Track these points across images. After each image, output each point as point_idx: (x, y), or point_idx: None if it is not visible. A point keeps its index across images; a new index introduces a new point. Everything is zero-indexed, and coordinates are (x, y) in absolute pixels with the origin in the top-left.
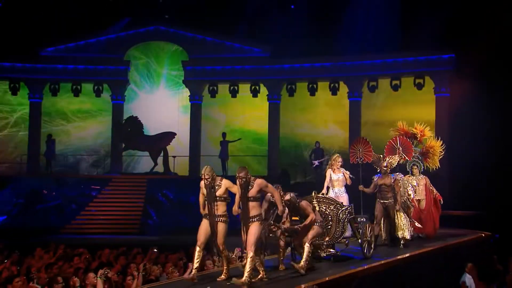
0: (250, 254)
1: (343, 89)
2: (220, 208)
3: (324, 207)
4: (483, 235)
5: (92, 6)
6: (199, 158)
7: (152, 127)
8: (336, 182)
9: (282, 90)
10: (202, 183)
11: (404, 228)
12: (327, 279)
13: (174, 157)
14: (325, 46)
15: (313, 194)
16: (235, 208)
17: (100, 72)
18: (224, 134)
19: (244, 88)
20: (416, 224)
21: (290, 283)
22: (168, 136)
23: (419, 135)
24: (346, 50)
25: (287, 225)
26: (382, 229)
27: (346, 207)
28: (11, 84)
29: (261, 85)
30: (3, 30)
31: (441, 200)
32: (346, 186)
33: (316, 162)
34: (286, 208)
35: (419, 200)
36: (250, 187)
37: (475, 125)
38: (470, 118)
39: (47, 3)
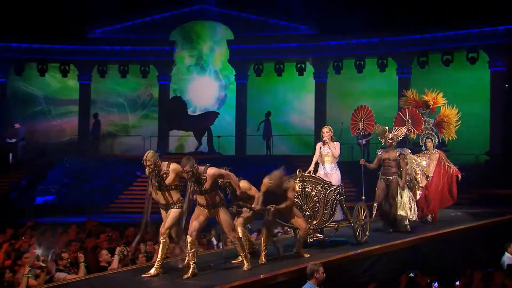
0: (235, 237)
1: (392, 65)
2: (174, 196)
3: (310, 187)
4: None
5: None
6: (245, 138)
7: (197, 107)
8: (326, 158)
9: (328, 67)
10: (146, 171)
11: (409, 208)
12: (336, 257)
13: (219, 136)
14: (373, 22)
15: (297, 172)
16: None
17: (146, 53)
18: (267, 113)
19: (290, 67)
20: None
21: (294, 262)
22: (211, 116)
23: (432, 103)
24: (394, 25)
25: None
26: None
27: (335, 187)
28: (61, 66)
29: (307, 63)
30: (52, 12)
31: (459, 176)
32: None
33: (363, 141)
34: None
35: (427, 177)
36: (203, 181)
37: None
38: None
39: None
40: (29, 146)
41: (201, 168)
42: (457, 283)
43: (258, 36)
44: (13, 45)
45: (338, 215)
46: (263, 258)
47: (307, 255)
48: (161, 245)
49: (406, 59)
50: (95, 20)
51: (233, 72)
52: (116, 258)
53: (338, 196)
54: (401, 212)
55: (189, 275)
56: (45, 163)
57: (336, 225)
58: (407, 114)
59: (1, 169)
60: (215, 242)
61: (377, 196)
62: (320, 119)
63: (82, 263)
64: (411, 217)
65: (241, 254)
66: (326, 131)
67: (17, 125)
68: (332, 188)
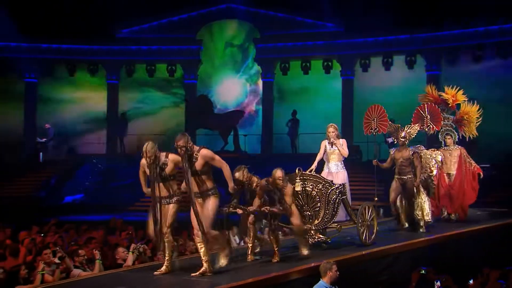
0: (203, 236)
1: (420, 62)
2: (173, 187)
3: (310, 186)
4: None
5: None
6: (272, 136)
7: (223, 106)
8: (332, 156)
9: (355, 65)
10: (143, 161)
11: (424, 208)
12: (352, 255)
13: (245, 135)
14: (400, 18)
15: (296, 171)
16: (182, 185)
17: (173, 52)
18: (294, 112)
19: (316, 65)
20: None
21: (304, 262)
22: (237, 115)
23: (451, 101)
24: (423, 21)
25: (255, 207)
26: (400, 210)
27: (336, 186)
28: (90, 66)
29: (334, 61)
30: (80, 13)
31: (481, 173)
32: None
33: (390, 140)
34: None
35: (448, 174)
36: (194, 159)
37: None
38: None
39: None
40: (59, 146)
41: (196, 147)
42: (471, 281)
43: (284, 34)
44: (43, 46)
45: (343, 215)
46: (276, 257)
47: (305, 252)
48: (166, 245)
49: (435, 56)
50: (123, 20)
51: (260, 70)
52: (130, 255)
53: (340, 195)
54: (418, 213)
55: (198, 273)
56: (74, 163)
57: (338, 226)
58: (426, 110)
59: (32, 168)
60: (237, 241)
61: (389, 196)
62: (347, 116)
63: (98, 260)
64: (428, 218)
65: (203, 258)
66: (332, 131)
67: (47, 125)
68: (334, 187)
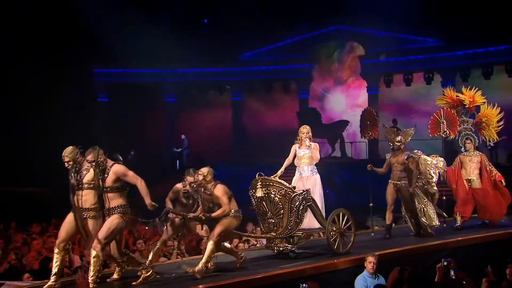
0: (94, 253)
1: None
2: (89, 199)
3: (273, 193)
4: None
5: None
6: (377, 143)
7: (332, 116)
8: (303, 160)
9: (456, 76)
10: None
11: (430, 213)
12: (402, 249)
13: (351, 143)
14: (499, 29)
15: (257, 176)
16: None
17: (288, 71)
18: (394, 121)
19: (418, 76)
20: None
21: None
22: (343, 124)
23: (468, 102)
24: None
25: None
26: (406, 218)
27: (299, 192)
28: (219, 87)
29: (435, 73)
30: (209, 40)
31: (503, 181)
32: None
33: (491, 143)
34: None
35: (468, 180)
36: (106, 174)
37: None
38: None
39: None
40: (192, 154)
41: (110, 162)
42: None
43: (387, 51)
44: (179, 71)
45: (315, 223)
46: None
47: (198, 276)
48: (58, 256)
49: None
50: (246, 45)
51: (365, 84)
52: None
53: (304, 202)
54: (422, 219)
55: None
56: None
57: (303, 234)
58: (442, 115)
59: (170, 174)
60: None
61: (387, 203)
62: None
63: (175, 250)
64: (434, 223)
65: (92, 271)
66: (306, 131)
67: (183, 136)
68: (297, 193)
